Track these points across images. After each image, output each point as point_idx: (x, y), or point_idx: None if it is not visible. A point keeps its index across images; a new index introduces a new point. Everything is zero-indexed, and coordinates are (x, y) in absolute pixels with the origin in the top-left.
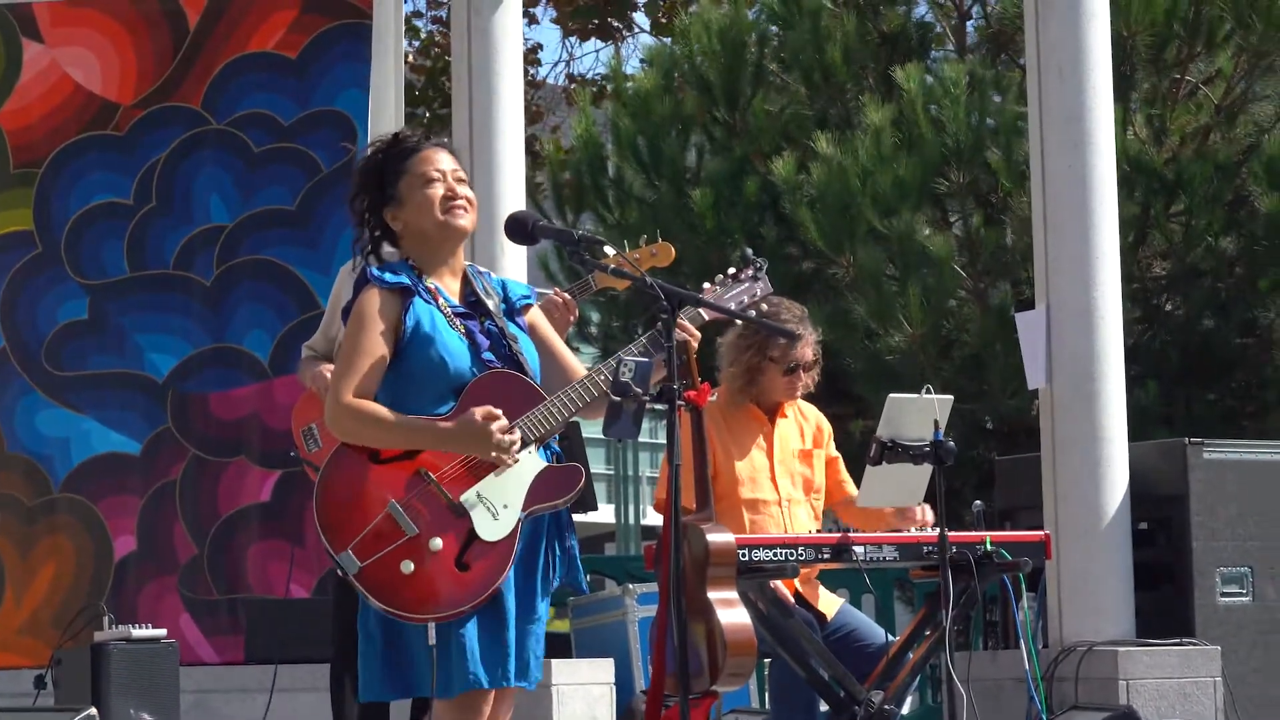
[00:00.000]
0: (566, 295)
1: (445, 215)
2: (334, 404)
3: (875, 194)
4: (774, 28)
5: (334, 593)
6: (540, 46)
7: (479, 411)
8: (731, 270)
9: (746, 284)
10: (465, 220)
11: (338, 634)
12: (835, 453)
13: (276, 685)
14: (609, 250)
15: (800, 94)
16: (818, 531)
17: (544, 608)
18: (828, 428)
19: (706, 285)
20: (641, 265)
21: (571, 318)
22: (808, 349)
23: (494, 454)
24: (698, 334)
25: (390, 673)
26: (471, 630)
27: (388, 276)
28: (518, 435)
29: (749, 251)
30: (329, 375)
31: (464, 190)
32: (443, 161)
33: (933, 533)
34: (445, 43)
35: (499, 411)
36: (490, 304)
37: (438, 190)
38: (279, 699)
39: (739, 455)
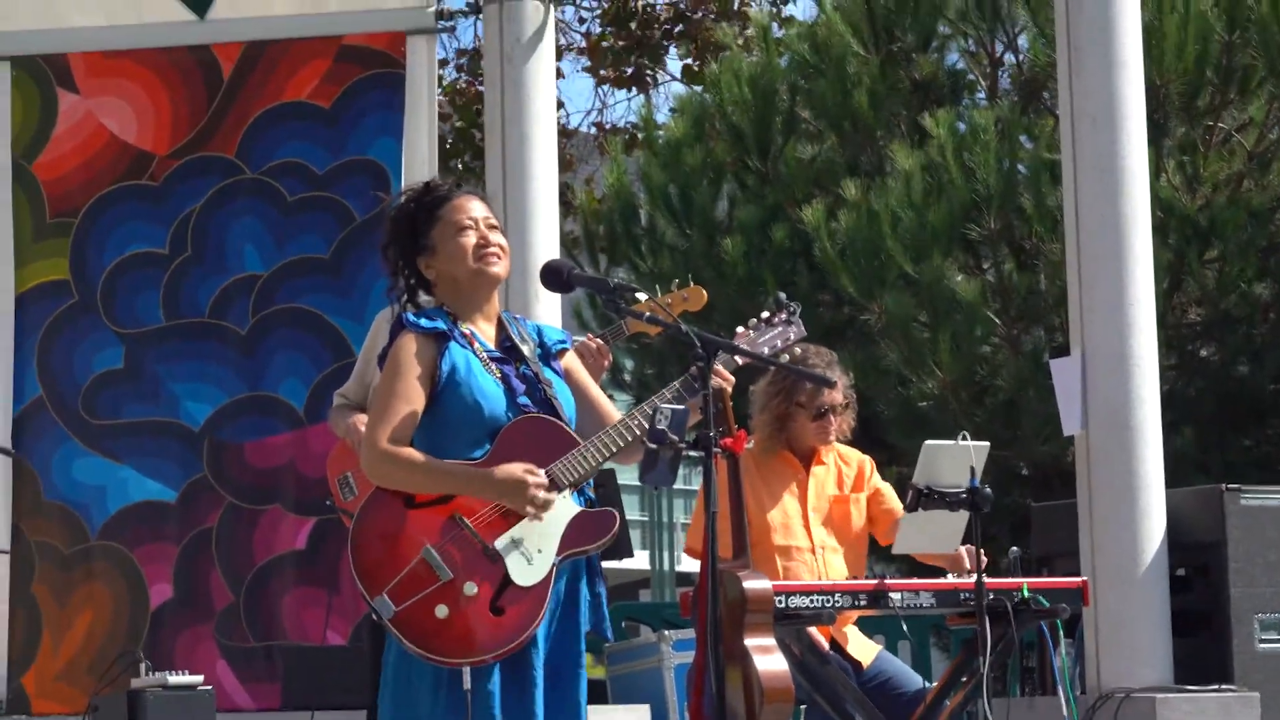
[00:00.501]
0: (599, 340)
1: (478, 263)
2: (370, 449)
3: (905, 240)
4: (804, 77)
5: (369, 639)
6: (561, 104)
7: (519, 467)
8: (765, 314)
9: (780, 328)
10: (499, 268)
11: (374, 680)
12: (880, 484)
13: None
14: (641, 297)
15: (832, 141)
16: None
17: (583, 655)
18: (870, 465)
19: (740, 329)
20: (674, 309)
21: (605, 363)
22: (837, 394)
23: (528, 509)
24: (732, 379)
25: (422, 713)
26: (496, 680)
27: (423, 322)
28: (554, 496)
29: (782, 296)
30: (362, 426)
31: (496, 238)
32: (475, 209)
33: (970, 579)
34: (471, 91)
35: (539, 471)
36: (525, 349)
37: (470, 239)
38: None
39: (770, 503)
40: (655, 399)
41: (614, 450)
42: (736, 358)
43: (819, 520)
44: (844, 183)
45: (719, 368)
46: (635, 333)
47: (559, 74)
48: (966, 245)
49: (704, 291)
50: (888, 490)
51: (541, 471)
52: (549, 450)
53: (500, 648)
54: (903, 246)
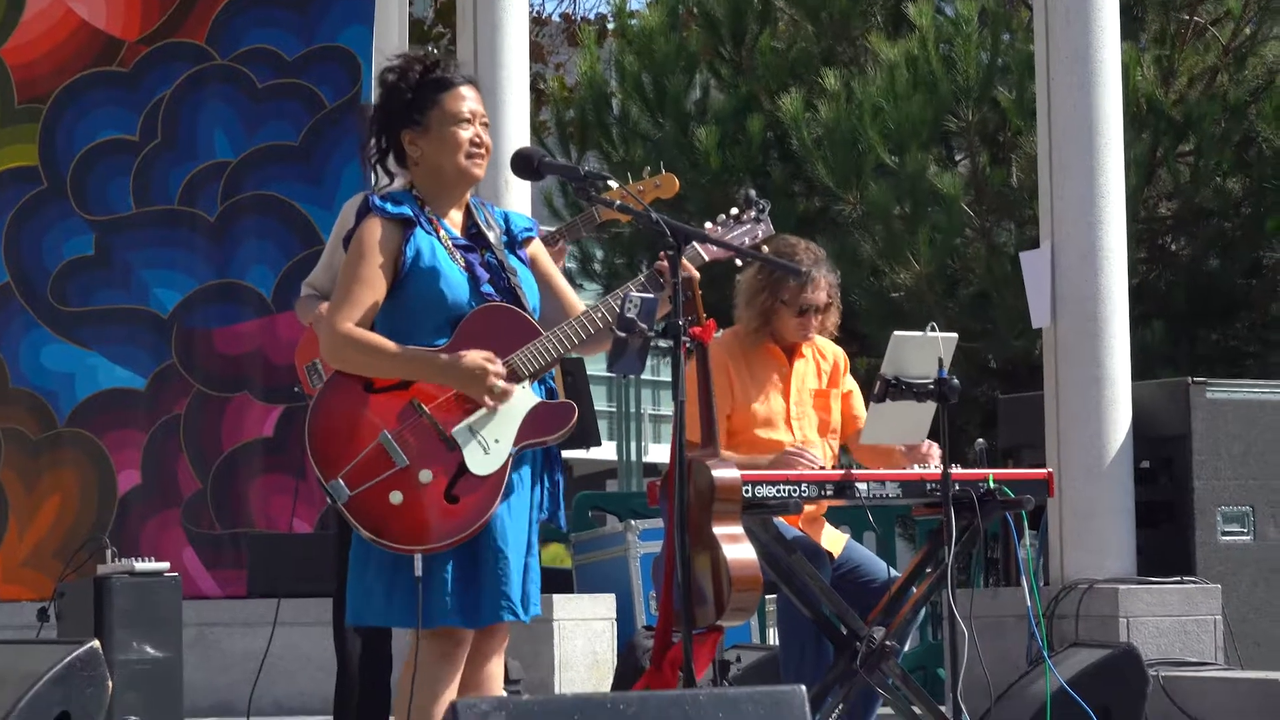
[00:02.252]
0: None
1: (468, 162)
2: (331, 332)
3: (885, 131)
4: None
5: (335, 526)
6: None
7: (479, 355)
8: (734, 211)
9: (749, 225)
10: (482, 170)
11: (340, 567)
12: (851, 384)
13: (279, 619)
14: (613, 184)
15: (807, 31)
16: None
17: (534, 542)
18: (845, 361)
19: (708, 225)
20: (645, 197)
21: (560, 264)
22: (820, 292)
23: (485, 398)
24: (696, 274)
25: (376, 599)
26: (449, 568)
27: (389, 207)
28: (512, 386)
29: (752, 193)
30: None
31: (487, 137)
32: (474, 103)
33: (937, 470)
34: None
35: (498, 360)
36: (491, 236)
37: (467, 133)
38: (281, 632)
39: (756, 395)
40: (623, 290)
41: (575, 342)
42: (701, 251)
43: (800, 414)
44: (824, 72)
45: (686, 263)
46: (606, 220)
47: None
48: (941, 138)
49: (676, 179)
50: (857, 393)
51: (500, 361)
52: (510, 340)
53: (453, 535)
54: (882, 138)
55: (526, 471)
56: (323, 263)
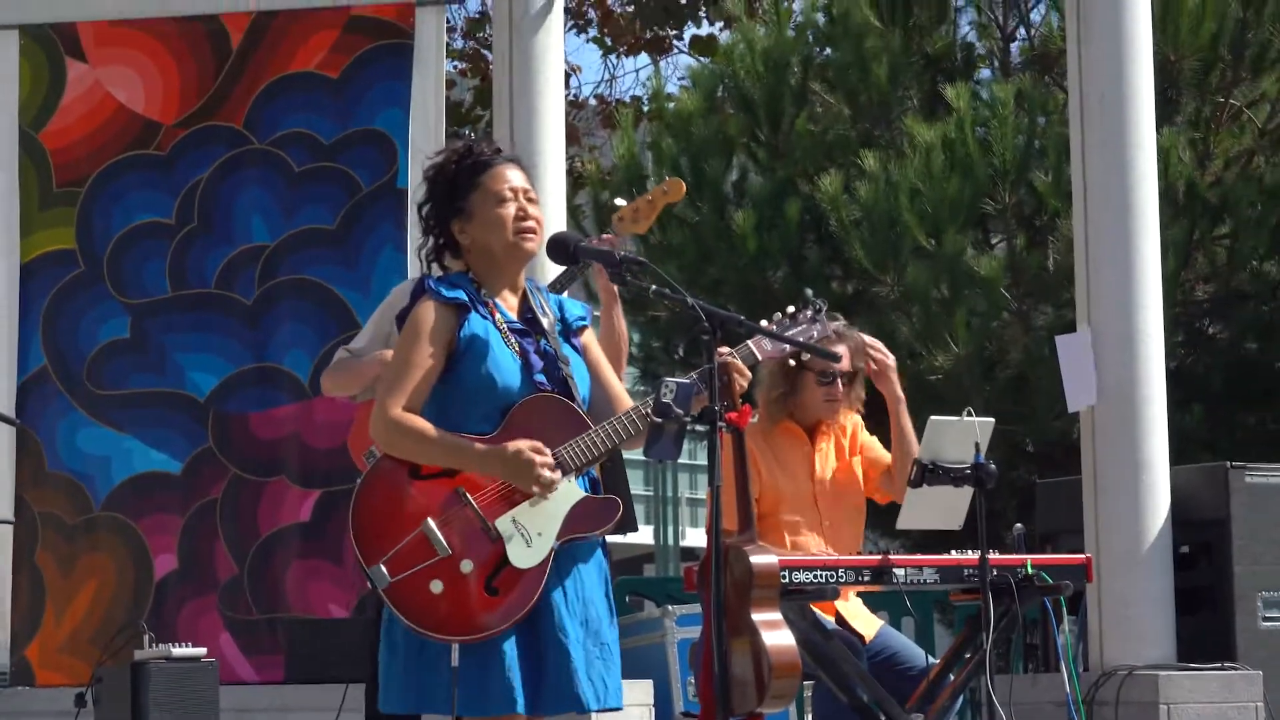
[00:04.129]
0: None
1: (516, 238)
2: (381, 416)
3: (923, 213)
4: (818, 49)
5: (372, 609)
6: (578, 69)
7: (527, 444)
8: (790, 310)
9: (804, 325)
10: (534, 244)
11: (373, 651)
12: (866, 438)
13: (314, 705)
14: (620, 201)
15: (843, 114)
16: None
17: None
18: (854, 421)
19: (764, 324)
20: (655, 205)
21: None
22: (844, 360)
23: (534, 489)
24: (748, 374)
25: (410, 686)
26: (510, 651)
27: (444, 290)
28: (559, 476)
29: (809, 292)
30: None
31: (535, 211)
32: (515, 179)
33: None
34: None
35: (547, 451)
36: (545, 323)
37: (510, 210)
38: (318, 718)
39: (782, 476)
40: (666, 379)
41: (625, 437)
42: (754, 350)
43: (825, 493)
44: (862, 154)
45: (738, 363)
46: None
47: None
48: (978, 220)
49: (682, 183)
50: (873, 441)
51: (549, 452)
52: (559, 431)
53: (490, 628)
54: (919, 220)
55: (589, 557)
56: (365, 333)
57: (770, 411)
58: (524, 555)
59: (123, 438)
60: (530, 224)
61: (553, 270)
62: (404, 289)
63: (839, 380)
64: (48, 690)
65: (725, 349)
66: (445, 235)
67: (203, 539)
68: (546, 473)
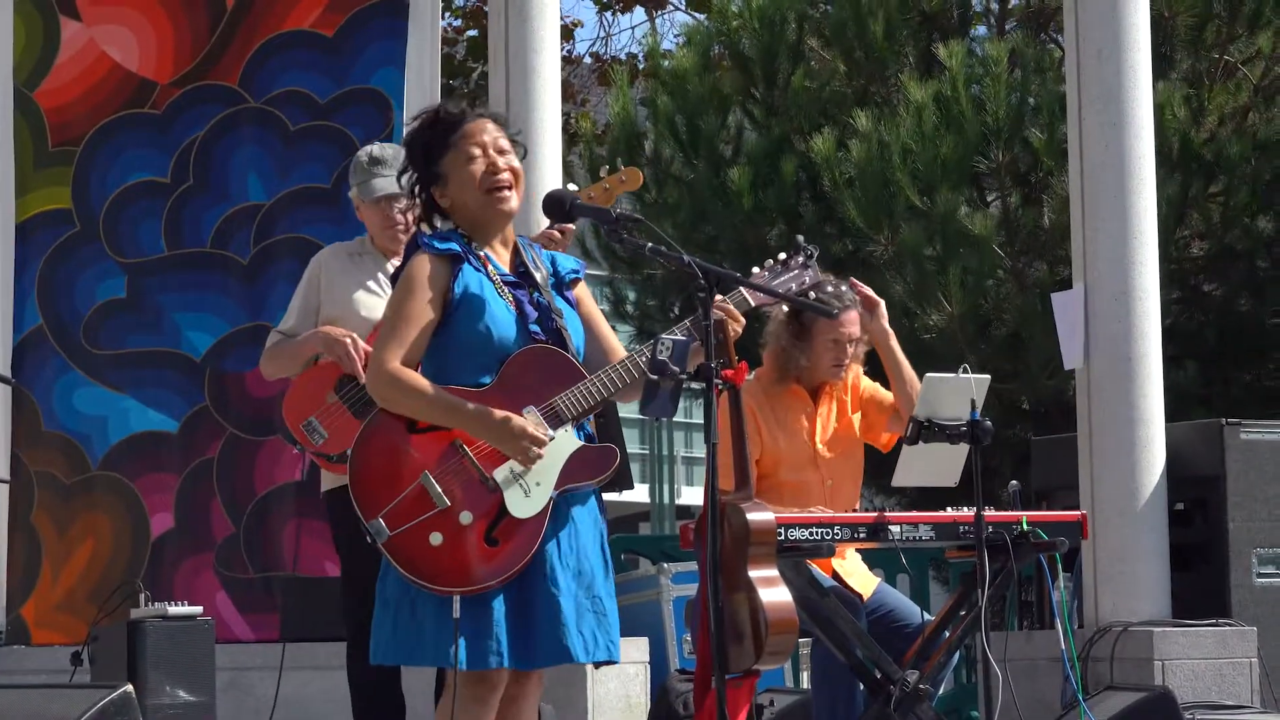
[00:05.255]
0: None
1: (487, 194)
2: (377, 370)
3: (916, 172)
4: (814, 5)
5: (352, 562)
6: (579, 24)
7: (529, 422)
8: (782, 256)
9: (796, 271)
10: (509, 203)
11: (354, 605)
12: (865, 385)
13: (311, 663)
14: (572, 187)
15: (839, 71)
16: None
17: (602, 581)
18: (855, 372)
19: (755, 270)
20: (612, 194)
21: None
22: (854, 326)
23: (517, 457)
24: (742, 320)
25: (403, 639)
26: (499, 607)
27: (437, 243)
28: (545, 452)
29: (800, 239)
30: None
31: (506, 162)
32: (483, 134)
33: (969, 512)
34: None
35: (545, 429)
36: (539, 276)
37: (479, 166)
38: (314, 676)
39: (783, 436)
40: (661, 335)
41: (619, 387)
42: (750, 299)
43: (827, 454)
44: (855, 113)
45: (729, 306)
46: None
47: None
48: (972, 178)
49: (639, 172)
50: (873, 386)
51: (545, 426)
52: (554, 382)
53: (492, 578)
54: (912, 179)
55: (584, 511)
56: (294, 309)
57: (777, 378)
58: (522, 505)
59: (120, 397)
60: (502, 178)
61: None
62: (320, 259)
63: (847, 344)
64: (44, 649)
65: (719, 296)
66: (429, 201)
67: (199, 498)
68: (534, 449)
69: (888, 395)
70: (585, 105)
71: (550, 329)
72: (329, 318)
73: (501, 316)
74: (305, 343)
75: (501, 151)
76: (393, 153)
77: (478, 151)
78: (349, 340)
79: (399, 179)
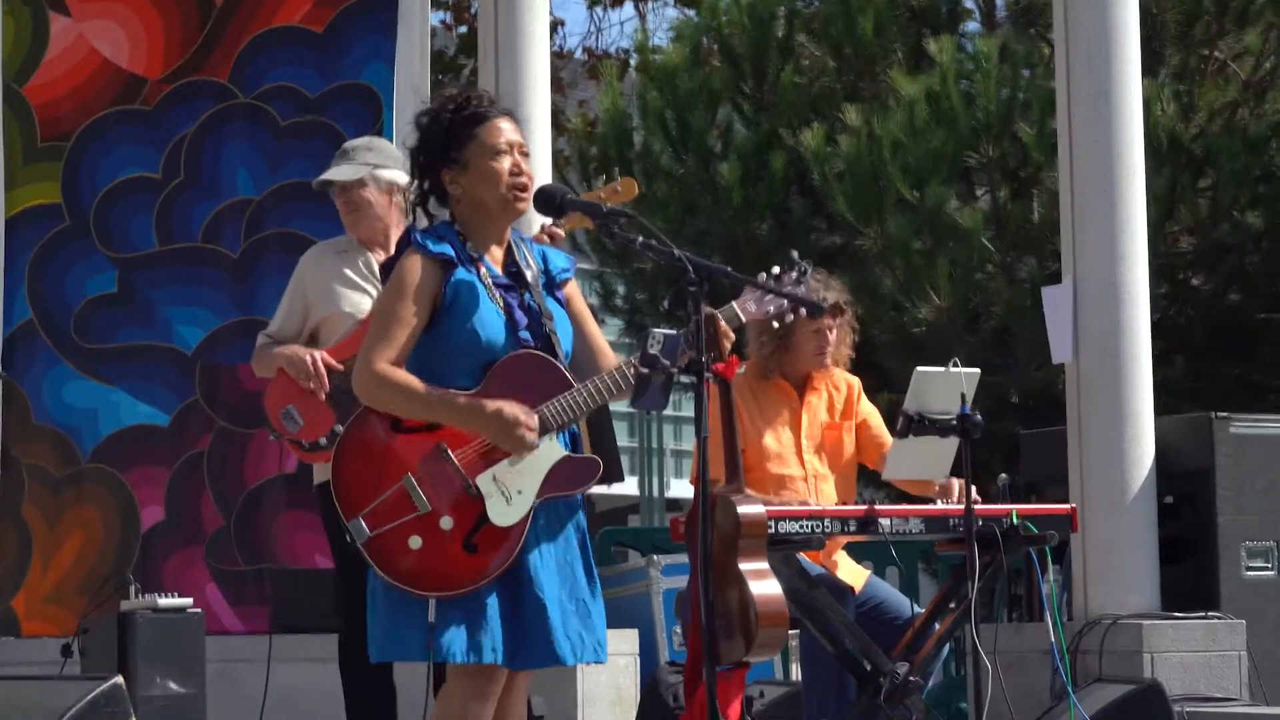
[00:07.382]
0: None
1: (509, 193)
2: (364, 369)
3: (905, 166)
4: (804, 1)
5: (342, 560)
6: (561, 22)
7: (519, 408)
8: (775, 270)
9: (789, 288)
10: (525, 203)
11: (344, 602)
12: (868, 410)
13: (301, 655)
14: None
15: (829, 67)
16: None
17: (584, 583)
18: (858, 389)
19: (748, 286)
20: (607, 203)
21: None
22: (832, 291)
23: (513, 449)
24: (732, 335)
25: (390, 637)
26: (493, 604)
27: (430, 245)
28: (539, 440)
29: (794, 254)
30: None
31: (527, 166)
32: (511, 133)
33: (960, 505)
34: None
35: (532, 415)
36: (529, 275)
37: (505, 164)
38: (304, 668)
39: (767, 430)
40: (653, 329)
41: (605, 398)
42: (741, 315)
43: (812, 448)
44: (845, 108)
45: (722, 323)
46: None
47: None
48: (962, 173)
49: (635, 182)
50: (875, 417)
51: (534, 414)
52: (541, 390)
53: (468, 585)
54: (902, 173)
55: (566, 512)
56: (281, 310)
57: (762, 366)
58: (503, 513)
59: (110, 391)
60: (524, 180)
61: (538, 222)
62: (305, 260)
63: (828, 319)
64: (34, 640)
65: (710, 310)
66: (434, 182)
67: (190, 491)
68: (528, 435)
69: (886, 438)
70: (582, 105)
71: (540, 334)
72: (319, 318)
73: (491, 321)
74: (274, 359)
75: (525, 155)
76: (364, 144)
77: (506, 148)
78: (308, 359)
79: (410, 154)
